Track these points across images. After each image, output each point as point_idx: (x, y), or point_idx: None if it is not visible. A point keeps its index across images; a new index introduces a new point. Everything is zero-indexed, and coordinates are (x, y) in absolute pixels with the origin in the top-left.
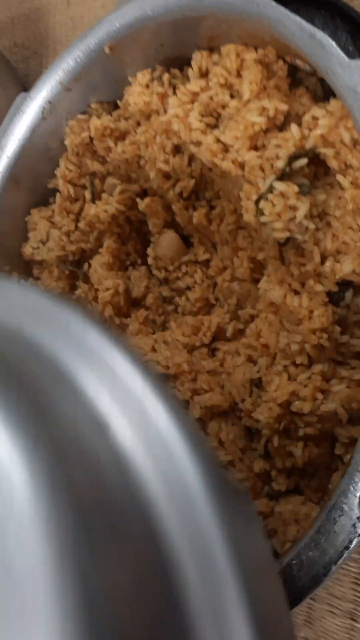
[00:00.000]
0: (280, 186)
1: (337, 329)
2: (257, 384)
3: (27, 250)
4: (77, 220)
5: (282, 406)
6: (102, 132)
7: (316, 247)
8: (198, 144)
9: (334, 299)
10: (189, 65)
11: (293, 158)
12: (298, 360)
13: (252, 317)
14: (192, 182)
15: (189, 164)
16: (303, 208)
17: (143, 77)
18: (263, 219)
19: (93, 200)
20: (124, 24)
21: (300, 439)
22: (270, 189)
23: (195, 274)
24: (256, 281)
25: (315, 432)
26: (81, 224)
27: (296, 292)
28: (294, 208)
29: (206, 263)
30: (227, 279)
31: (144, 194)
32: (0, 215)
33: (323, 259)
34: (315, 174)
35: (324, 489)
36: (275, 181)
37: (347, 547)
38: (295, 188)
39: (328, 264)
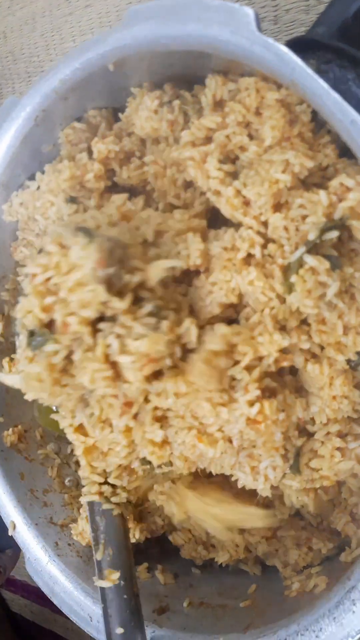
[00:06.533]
0: (311, 261)
1: (357, 392)
2: None
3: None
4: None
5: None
6: (106, 155)
7: (340, 321)
8: (217, 193)
9: (352, 364)
10: (200, 82)
11: (324, 230)
12: (317, 420)
13: None
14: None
15: (201, 195)
16: (334, 287)
17: (151, 102)
18: (294, 295)
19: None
20: (133, 44)
21: (313, 490)
22: (301, 263)
23: None
24: None
25: (330, 484)
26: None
27: (314, 355)
28: (324, 285)
29: None
30: None
31: None
32: None
33: (345, 331)
34: (340, 238)
35: (324, 515)
36: (306, 254)
37: None
38: (327, 264)
39: (350, 337)
